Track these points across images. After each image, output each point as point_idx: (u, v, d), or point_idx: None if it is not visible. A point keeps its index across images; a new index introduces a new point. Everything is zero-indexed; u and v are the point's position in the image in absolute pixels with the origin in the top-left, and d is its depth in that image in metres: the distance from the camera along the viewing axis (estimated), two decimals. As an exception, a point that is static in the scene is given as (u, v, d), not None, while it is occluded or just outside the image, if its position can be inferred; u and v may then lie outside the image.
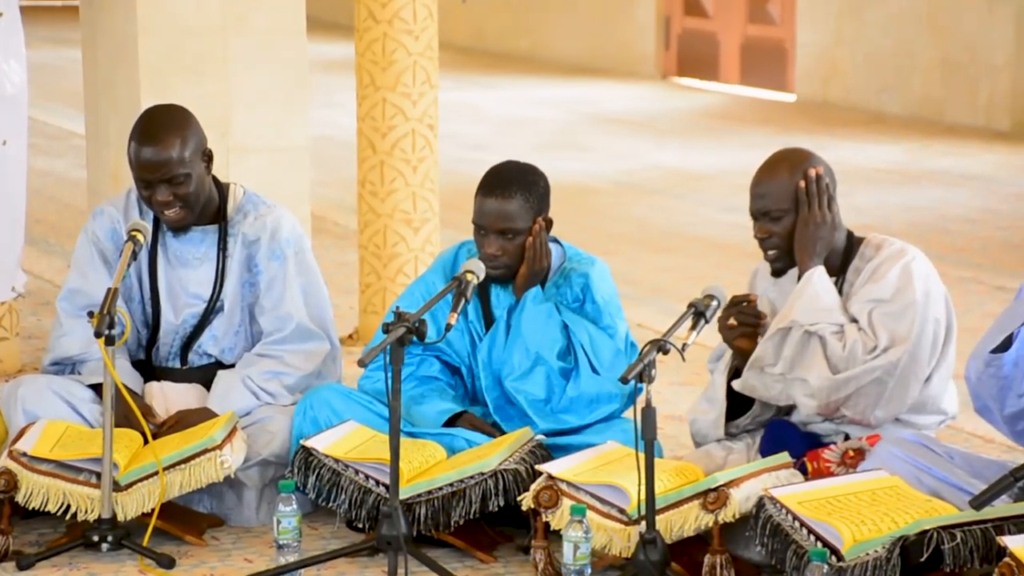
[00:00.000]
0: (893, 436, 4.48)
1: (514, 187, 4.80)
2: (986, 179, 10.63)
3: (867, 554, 4.02)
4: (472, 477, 4.58)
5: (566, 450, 4.71)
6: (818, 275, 4.55)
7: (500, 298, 4.91)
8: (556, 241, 4.98)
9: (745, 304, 4.61)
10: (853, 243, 4.66)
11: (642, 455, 4.20)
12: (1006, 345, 4.19)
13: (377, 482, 4.64)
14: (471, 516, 4.58)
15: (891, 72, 13.03)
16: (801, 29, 13.89)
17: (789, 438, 4.64)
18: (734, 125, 12.94)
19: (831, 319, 4.51)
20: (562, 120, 13.25)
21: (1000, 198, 10.04)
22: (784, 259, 4.62)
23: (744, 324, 4.58)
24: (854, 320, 4.53)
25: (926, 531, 4.00)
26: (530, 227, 4.81)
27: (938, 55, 12.65)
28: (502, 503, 4.57)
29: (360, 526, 4.71)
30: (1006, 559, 3.77)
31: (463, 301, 4.58)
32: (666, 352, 4.29)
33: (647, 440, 4.20)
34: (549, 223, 4.87)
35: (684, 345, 4.32)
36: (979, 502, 3.50)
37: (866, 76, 13.27)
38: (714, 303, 4.47)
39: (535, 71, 15.66)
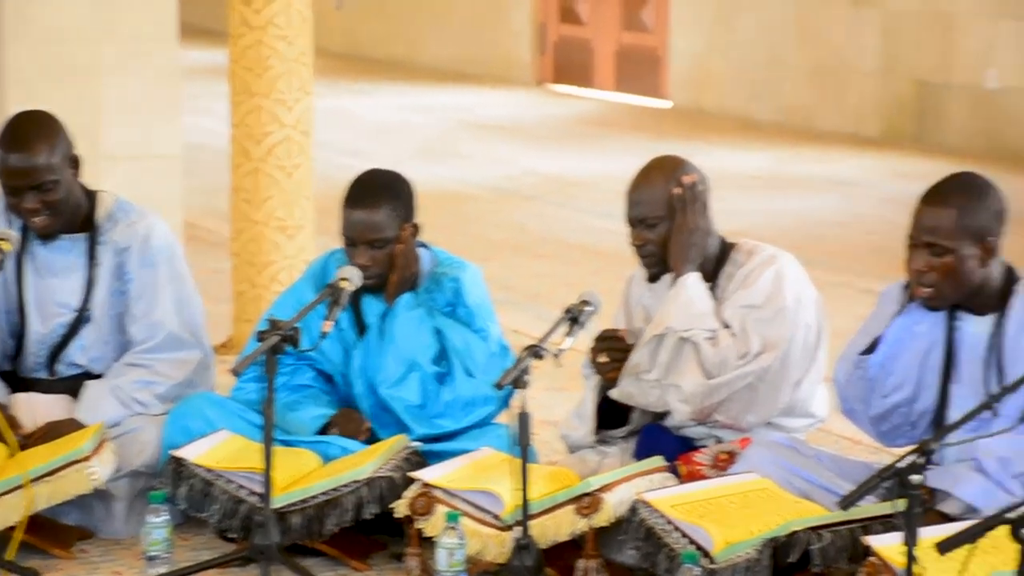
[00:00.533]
0: (764, 439, 4.53)
1: (379, 197, 4.80)
2: (855, 184, 10.79)
3: (738, 556, 4.07)
4: (346, 485, 4.56)
5: (441, 456, 4.71)
6: (692, 281, 4.59)
7: (371, 305, 4.90)
8: (425, 246, 4.98)
9: (614, 339, 4.63)
10: (725, 249, 4.70)
11: (517, 461, 4.21)
12: (873, 348, 4.26)
13: (250, 491, 4.60)
14: (345, 524, 4.56)
15: (762, 79, 13.19)
16: (674, 36, 14.01)
17: (662, 442, 4.68)
18: (610, 131, 13.02)
19: (705, 325, 4.56)
20: (438, 127, 13.26)
21: (869, 203, 10.19)
22: (659, 265, 4.66)
23: (615, 360, 4.61)
24: (727, 325, 4.58)
25: (795, 532, 4.05)
26: (398, 235, 4.81)
27: (807, 62, 12.82)
28: (376, 511, 4.56)
29: (232, 536, 4.67)
30: (871, 558, 3.83)
31: (338, 308, 4.57)
32: (541, 358, 4.31)
33: (522, 446, 4.21)
34: (416, 229, 4.88)
35: (559, 351, 4.35)
36: (847, 503, 3.55)
37: (738, 83, 13.42)
38: (589, 308, 4.50)
39: (411, 77, 15.65)
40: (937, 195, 4.15)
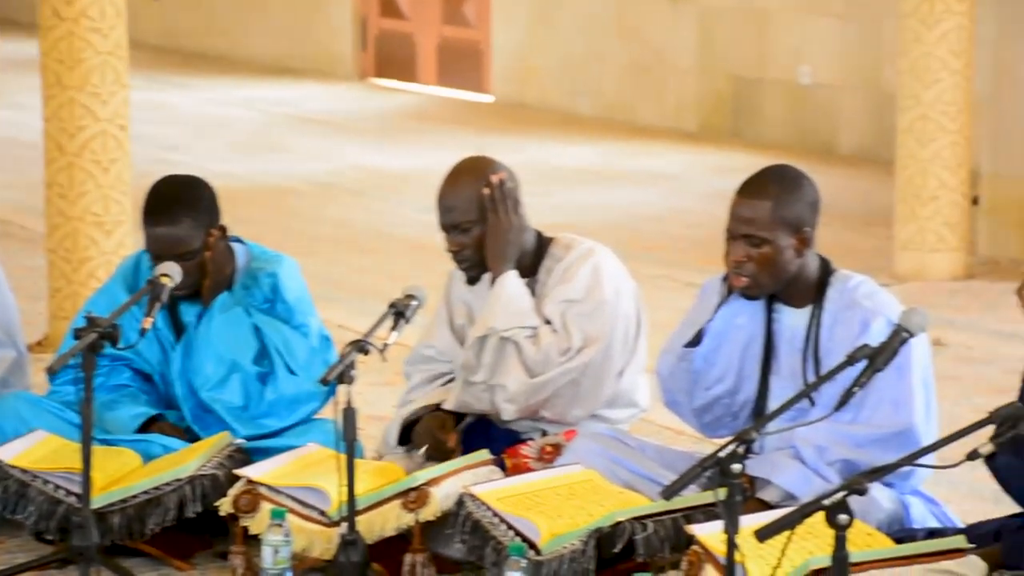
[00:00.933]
0: (589, 431, 4.57)
1: (179, 210, 4.70)
2: (675, 178, 10.92)
3: (564, 547, 4.09)
4: (168, 484, 4.50)
5: (266, 453, 4.66)
6: (510, 280, 4.60)
7: (188, 306, 4.83)
8: (240, 241, 4.93)
9: (440, 447, 4.59)
10: (543, 243, 4.72)
11: (343, 456, 4.19)
12: (697, 340, 4.31)
13: (67, 492, 4.52)
14: (167, 523, 4.50)
15: (584, 74, 13.28)
16: (496, 31, 14.04)
17: (488, 435, 4.69)
18: (432, 126, 13.01)
19: (525, 323, 4.57)
20: (259, 121, 13.13)
21: (688, 197, 10.32)
22: (478, 268, 4.66)
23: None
24: (548, 321, 4.60)
25: (620, 522, 4.09)
26: (205, 243, 4.73)
27: (627, 58, 12.94)
28: (200, 509, 4.50)
29: (50, 538, 4.58)
30: (694, 547, 3.88)
31: (158, 304, 4.50)
32: (367, 353, 4.29)
33: (348, 441, 4.19)
34: (224, 230, 4.80)
35: (384, 345, 4.33)
36: (669, 492, 3.59)
37: (560, 78, 13.49)
38: (414, 303, 4.49)
39: (231, 71, 15.47)
40: (753, 187, 4.21)
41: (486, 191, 4.59)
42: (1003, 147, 8.48)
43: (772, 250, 4.18)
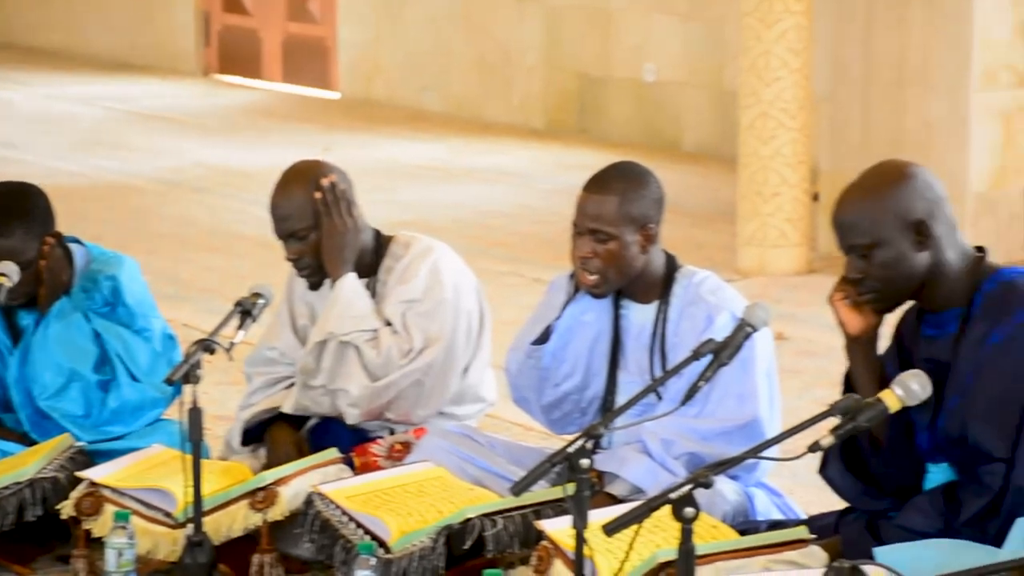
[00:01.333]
0: (438, 428, 4.57)
1: (9, 222, 4.62)
2: (522, 175, 10.95)
3: (413, 545, 4.09)
4: (7, 488, 4.42)
5: (109, 455, 4.60)
6: (349, 283, 4.59)
7: (26, 312, 4.75)
8: (78, 242, 4.85)
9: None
10: (382, 242, 4.71)
11: (188, 457, 4.15)
12: (545, 338, 4.33)
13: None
14: (6, 528, 4.41)
15: (431, 71, 13.27)
16: (342, 27, 13.98)
17: (337, 434, 4.67)
18: (278, 123, 12.92)
19: (365, 326, 4.56)
20: (100, 118, 12.93)
21: (535, 194, 10.36)
22: (319, 274, 4.63)
23: None
24: (389, 323, 4.59)
25: (469, 519, 4.09)
26: (39, 251, 4.65)
27: (474, 55, 12.96)
28: (40, 513, 4.43)
29: None
30: (543, 542, 3.90)
31: (-6, 306, 4.42)
32: (213, 352, 4.25)
33: (194, 441, 4.15)
34: (59, 236, 4.72)
35: (231, 344, 4.30)
36: (519, 488, 3.61)
37: (407, 74, 13.47)
38: (261, 301, 4.45)
39: (70, 67, 15.22)
40: (599, 183, 4.24)
41: (318, 195, 4.56)
42: (841, 144, 8.64)
43: (618, 246, 4.22)
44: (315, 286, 4.66)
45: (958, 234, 3.76)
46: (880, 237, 3.69)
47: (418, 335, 4.55)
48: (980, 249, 3.79)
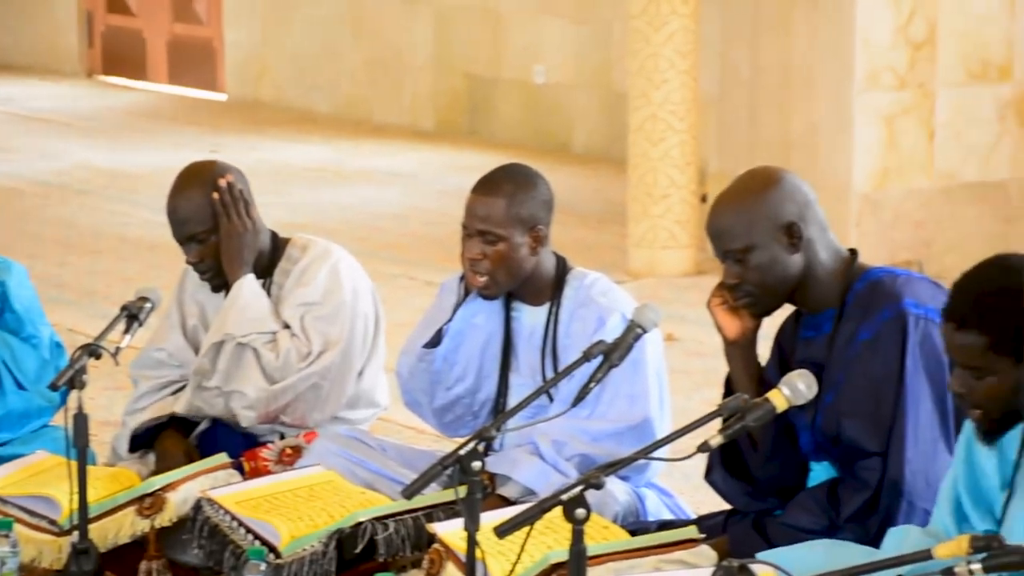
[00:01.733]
0: (329, 432, 4.54)
1: None
2: (413, 177, 10.94)
3: (304, 549, 4.06)
4: None
5: (-8, 462, 4.53)
6: (247, 284, 4.55)
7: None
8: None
9: None
10: (278, 244, 4.68)
11: (74, 463, 4.09)
12: (436, 340, 4.32)
13: None
14: None
15: (319, 72, 13.22)
16: (228, 28, 13.89)
17: (227, 439, 4.63)
18: (164, 124, 12.81)
19: (264, 328, 4.53)
20: (-17, 119, 12.76)
21: (426, 195, 10.35)
22: (221, 276, 4.59)
23: None
24: (287, 325, 4.56)
25: (360, 523, 4.07)
26: None
27: (363, 55, 12.93)
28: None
29: None
30: (435, 545, 3.89)
31: None
32: (98, 357, 4.19)
33: (79, 447, 4.09)
34: None
35: (117, 349, 4.24)
36: (410, 491, 3.59)
37: (295, 76, 13.41)
38: (148, 305, 4.40)
39: (-49, 68, 15.00)
40: (487, 185, 4.24)
41: (215, 196, 4.52)
42: (728, 146, 8.71)
43: (507, 247, 4.21)
44: (218, 288, 4.62)
45: (830, 235, 3.84)
46: (753, 241, 3.75)
47: (317, 338, 4.53)
48: (852, 251, 3.86)
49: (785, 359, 3.90)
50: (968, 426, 3.43)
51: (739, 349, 3.84)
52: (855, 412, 3.73)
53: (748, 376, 3.83)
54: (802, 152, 8.22)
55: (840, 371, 3.75)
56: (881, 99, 8.25)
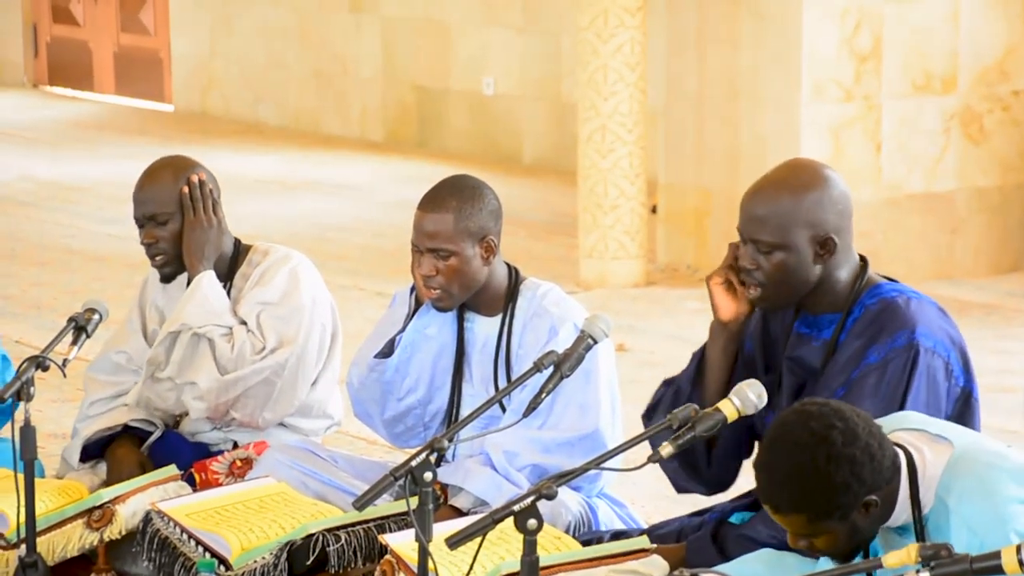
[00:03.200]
0: (280, 444, 4.53)
1: None
2: (361, 188, 10.92)
3: (255, 561, 4.05)
4: None
5: (-62, 476, 4.48)
6: (207, 279, 4.57)
7: None
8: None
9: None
10: (240, 250, 4.71)
11: (21, 476, 4.06)
12: (389, 351, 4.31)
13: None
14: None
15: (267, 83, 13.18)
16: (176, 39, 13.83)
17: (177, 449, 4.61)
18: (111, 135, 12.74)
19: (220, 321, 4.53)
20: (-73, 130, 12.66)
21: (375, 207, 10.34)
22: (173, 264, 4.60)
23: None
24: (244, 323, 4.57)
25: (312, 534, 4.06)
26: None
27: (310, 67, 12.90)
28: None
29: None
30: (387, 556, 3.88)
31: None
32: (46, 369, 4.17)
33: (27, 460, 4.06)
34: None
35: (65, 361, 4.22)
36: (362, 503, 3.58)
37: (243, 87, 13.37)
38: (96, 317, 4.39)
39: None
40: (434, 201, 4.22)
41: (186, 189, 4.55)
42: (676, 157, 8.74)
43: (459, 261, 4.21)
44: (167, 278, 4.63)
45: (852, 248, 3.76)
46: (785, 241, 3.67)
47: (272, 335, 4.54)
48: (863, 258, 3.80)
49: (770, 342, 3.84)
50: None
51: (726, 331, 3.79)
52: None
53: (724, 359, 3.79)
54: (750, 164, 8.26)
55: (841, 387, 3.69)
56: (827, 111, 8.30)
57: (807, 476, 3.14)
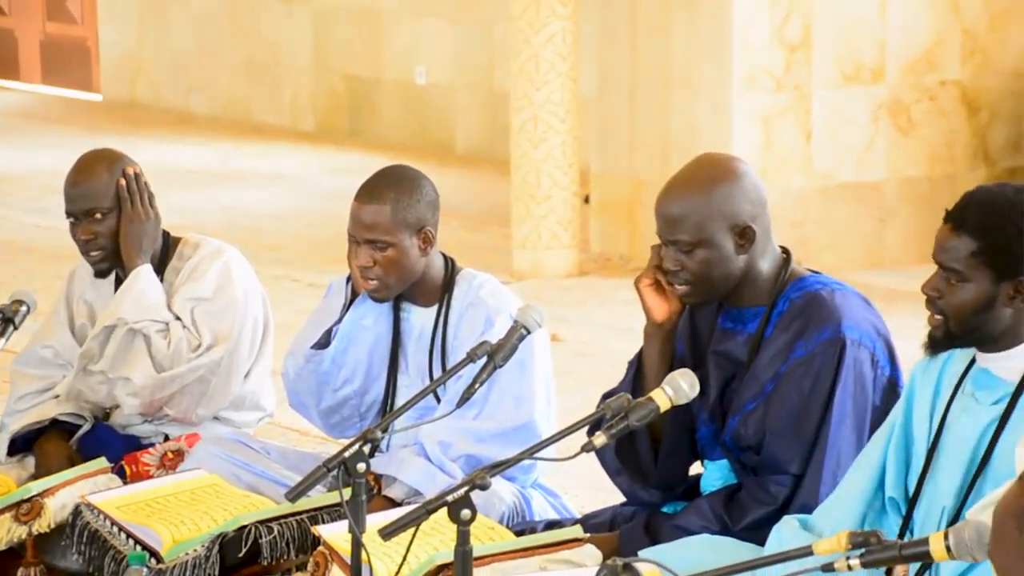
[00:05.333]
0: (211, 435, 4.51)
1: None
2: (294, 178, 10.89)
3: (186, 554, 4.02)
4: None
5: None
6: (144, 272, 4.54)
7: None
8: None
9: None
10: (170, 243, 4.67)
11: (-50, 470, 4.02)
12: (326, 342, 4.30)
13: None
14: None
15: (197, 72, 13.11)
16: (104, 28, 13.73)
17: (107, 442, 4.58)
18: (38, 125, 12.63)
19: (157, 316, 4.51)
20: None
21: (308, 197, 10.31)
22: (109, 259, 4.56)
23: None
24: (178, 318, 4.54)
25: (244, 526, 4.04)
26: None
27: (242, 56, 12.84)
28: None
29: None
30: (320, 547, 3.87)
31: None
32: (-27, 360, 4.13)
33: (-45, 454, 4.03)
34: None
35: (-8, 353, 4.18)
36: (294, 494, 3.57)
37: (173, 76, 13.28)
38: (23, 308, 4.35)
39: None
40: (370, 192, 4.21)
41: (122, 182, 4.52)
42: (609, 147, 8.76)
43: (396, 252, 4.20)
44: (102, 273, 4.59)
45: (772, 235, 3.78)
46: (704, 237, 3.68)
47: (207, 332, 4.52)
48: (785, 250, 3.81)
49: (697, 339, 3.88)
50: (914, 378, 3.44)
51: (661, 332, 3.80)
52: (781, 430, 3.69)
53: (662, 359, 3.80)
54: (681, 153, 8.29)
55: (769, 381, 3.71)
56: (758, 100, 8.34)
57: (1013, 212, 3.28)
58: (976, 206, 3.31)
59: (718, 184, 3.70)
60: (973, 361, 3.37)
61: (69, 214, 4.55)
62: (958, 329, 3.32)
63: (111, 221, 4.53)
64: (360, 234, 4.19)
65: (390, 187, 4.19)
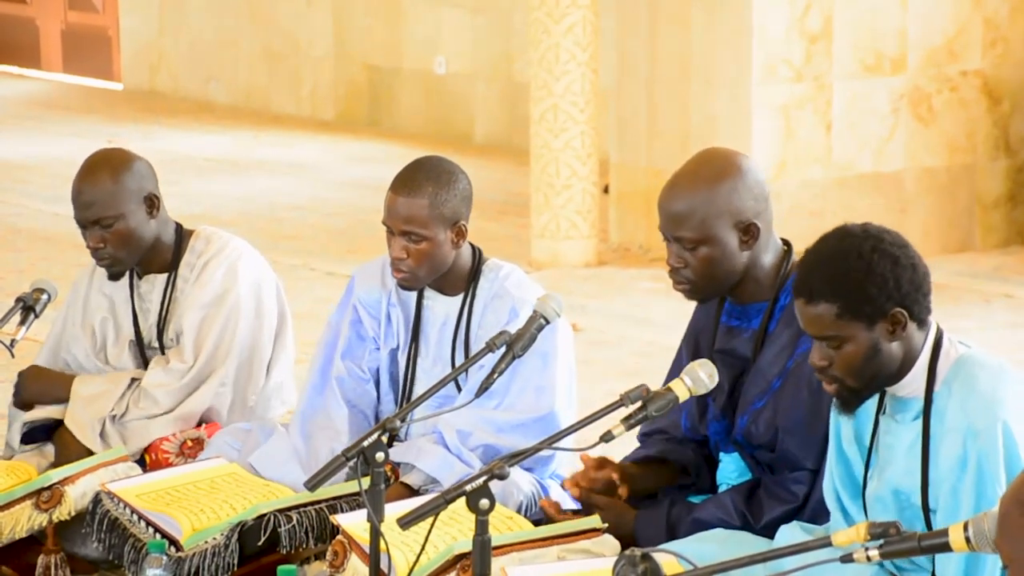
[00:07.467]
0: (231, 426, 4.52)
1: None
2: (313, 167, 10.89)
3: (205, 542, 4.03)
4: None
5: None
6: (78, 390, 4.56)
7: None
8: None
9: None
10: (183, 235, 4.65)
11: (-30, 457, 4.04)
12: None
13: None
14: None
15: (217, 62, 13.12)
16: (124, 17, 13.75)
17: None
18: (58, 114, 12.65)
19: (113, 400, 4.55)
20: None
21: (326, 186, 10.31)
22: (120, 264, 4.55)
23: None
24: (166, 336, 4.57)
25: (263, 515, 4.05)
26: None
27: (261, 46, 12.84)
28: None
29: None
30: (339, 537, 3.88)
31: None
32: (-7, 349, 4.15)
33: (-25, 441, 4.05)
34: None
35: (13, 341, 4.20)
36: (313, 483, 3.58)
37: (192, 65, 13.30)
38: (44, 297, 4.36)
39: None
40: (409, 184, 4.16)
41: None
42: (628, 137, 8.75)
43: (430, 246, 4.18)
44: (115, 276, 4.59)
45: (774, 232, 3.76)
46: (708, 235, 3.66)
47: (210, 340, 4.53)
48: (786, 243, 3.79)
49: (700, 334, 3.85)
50: (834, 412, 3.45)
51: (628, 518, 3.78)
52: (794, 428, 3.68)
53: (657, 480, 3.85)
54: (700, 144, 8.25)
55: (776, 377, 3.70)
56: (778, 91, 8.32)
57: (849, 259, 3.24)
58: (816, 271, 3.26)
59: (722, 180, 3.68)
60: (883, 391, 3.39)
61: (77, 220, 4.53)
62: (859, 384, 3.31)
63: (119, 227, 4.49)
64: (396, 225, 4.16)
65: (428, 180, 4.16)
